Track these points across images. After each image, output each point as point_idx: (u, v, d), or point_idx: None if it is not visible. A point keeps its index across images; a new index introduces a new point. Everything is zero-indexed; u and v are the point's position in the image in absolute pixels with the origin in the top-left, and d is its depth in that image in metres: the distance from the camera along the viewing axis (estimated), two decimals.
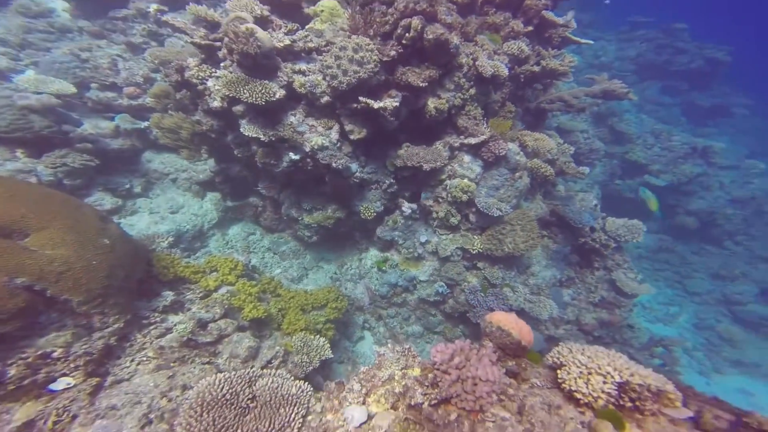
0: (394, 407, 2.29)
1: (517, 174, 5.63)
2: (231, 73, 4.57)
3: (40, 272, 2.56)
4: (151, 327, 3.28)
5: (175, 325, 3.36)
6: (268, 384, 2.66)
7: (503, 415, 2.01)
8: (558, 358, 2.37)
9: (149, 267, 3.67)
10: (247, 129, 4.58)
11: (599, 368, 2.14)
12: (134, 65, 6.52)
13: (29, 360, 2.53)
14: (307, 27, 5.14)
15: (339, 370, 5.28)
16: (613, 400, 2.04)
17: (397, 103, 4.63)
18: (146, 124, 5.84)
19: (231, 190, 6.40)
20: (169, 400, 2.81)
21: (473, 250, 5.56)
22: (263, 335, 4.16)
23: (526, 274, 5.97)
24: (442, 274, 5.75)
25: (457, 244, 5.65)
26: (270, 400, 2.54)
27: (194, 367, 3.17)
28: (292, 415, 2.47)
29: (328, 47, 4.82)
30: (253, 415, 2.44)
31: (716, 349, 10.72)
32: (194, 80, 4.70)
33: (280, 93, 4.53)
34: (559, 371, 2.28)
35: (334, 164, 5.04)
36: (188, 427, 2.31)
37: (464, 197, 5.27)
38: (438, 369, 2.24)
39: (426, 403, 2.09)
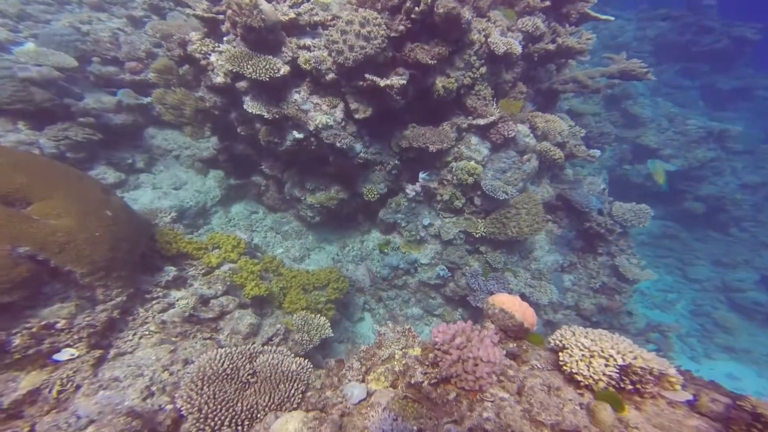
0: (393, 385, 2.33)
1: (526, 157, 5.51)
2: (234, 47, 4.42)
3: (43, 242, 2.57)
4: (154, 301, 3.33)
5: (177, 300, 3.41)
6: (269, 360, 2.71)
7: (502, 396, 2.04)
8: (560, 341, 2.38)
9: (152, 241, 3.69)
10: (251, 106, 4.48)
11: (602, 351, 2.15)
12: (136, 39, 6.35)
13: (33, 330, 2.58)
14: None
15: (339, 349, 5.40)
16: (614, 382, 2.06)
17: (404, 81, 4.49)
18: (149, 99, 5.75)
19: (234, 168, 6.36)
20: (171, 374, 2.88)
21: (476, 233, 5.53)
22: (264, 313, 4.23)
23: (529, 258, 5.96)
24: (443, 257, 5.76)
25: (460, 228, 5.62)
26: (270, 376, 2.60)
27: (196, 342, 3.23)
28: (292, 391, 2.54)
29: (334, 21, 4.63)
30: (254, 390, 2.50)
31: (710, 335, 10.84)
32: (197, 55, 4.57)
33: (285, 69, 4.39)
34: (560, 354, 2.29)
35: (338, 144, 4.95)
36: (189, 399, 2.37)
37: (470, 180, 5.18)
38: (439, 349, 2.26)
39: (426, 382, 2.12)
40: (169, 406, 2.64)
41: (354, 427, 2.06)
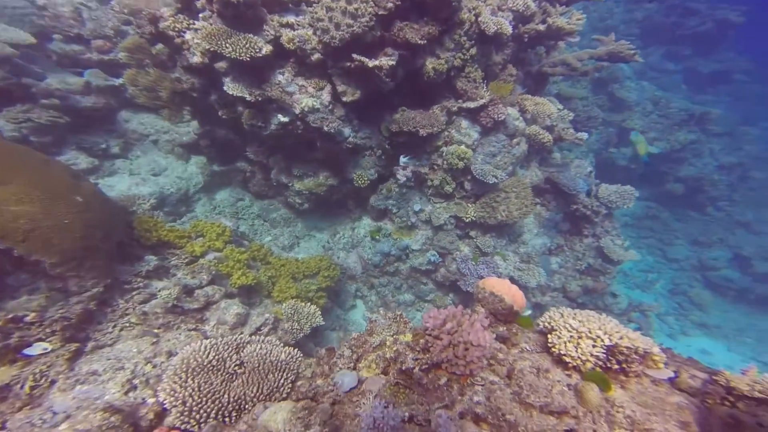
0: (384, 372, 2.33)
1: (515, 140, 5.48)
2: (211, 25, 4.15)
3: (4, 229, 2.41)
4: (134, 292, 3.22)
5: (159, 290, 3.30)
6: (257, 350, 2.67)
7: (492, 379, 2.06)
8: (549, 323, 2.41)
9: (130, 230, 3.54)
10: (232, 88, 4.26)
11: (590, 332, 2.18)
12: (102, 15, 5.89)
13: None
14: None
15: (331, 337, 5.41)
16: (600, 362, 2.10)
17: (394, 62, 4.33)
18: (120, 80, 5.40)
19: (218, 153, 6.13)
20: (154, 366, 2.82)
21: (466, 218, 5.54)
22: (253, 302, 4.17)
23: (518, 242, 6.02)
24: (434, 243, 5.77)
25: (450, 213, 5.61)
26: (258, 366, 2.55)
27: (180, 334, 3.16)
28: (281, 381, 2.51)
29: None
30: (241, 381, 2.46)
31: (686, 313, 11.36)
32: (170, 32, 4.27)
33: (267, 49, 4.17)
34: (549, 336, 2.32)
35: (325, 128, 4.80)
36: (172, 392, 2.32)
37: (460, 164, 5.14)
38: (430, 334, 2.26)
39: (417, 368, 2.12)
40: (152, 400, 2.59)
41: (345, 415, 2.06)
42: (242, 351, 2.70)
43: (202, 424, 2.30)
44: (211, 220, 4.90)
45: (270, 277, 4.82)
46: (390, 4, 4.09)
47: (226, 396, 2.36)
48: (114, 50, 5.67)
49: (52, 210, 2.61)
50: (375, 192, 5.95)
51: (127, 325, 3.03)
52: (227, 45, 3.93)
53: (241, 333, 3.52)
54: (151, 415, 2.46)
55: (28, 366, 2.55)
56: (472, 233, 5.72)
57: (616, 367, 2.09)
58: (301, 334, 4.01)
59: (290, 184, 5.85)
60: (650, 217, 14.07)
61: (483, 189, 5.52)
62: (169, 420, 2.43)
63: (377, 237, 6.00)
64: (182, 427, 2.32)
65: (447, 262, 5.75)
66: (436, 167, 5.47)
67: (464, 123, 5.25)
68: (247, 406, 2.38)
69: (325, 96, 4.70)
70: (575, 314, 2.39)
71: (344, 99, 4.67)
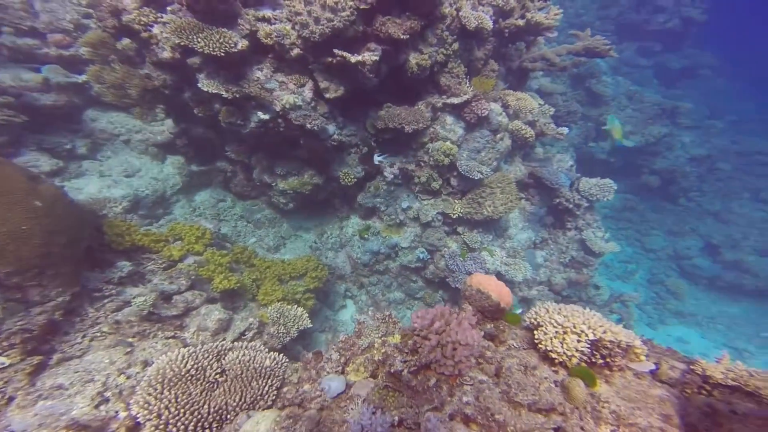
0: (373, 375, 2.29)
1: (499, 136, 5.51)
2: (181, 18, 3.95)
3: None
4: (106, 300, 3.05)
5: (133, 297, 3.15)
6: (239, 357, 2.57)
7: (481, 378, 2.05)
8: (535, 319, 2.42)
9: (99, 234, 3.35)
10: (206, 84, 4.08)
11: (574, 327, 2.20)
12: (57, 7, 5.50)
13: None
14: None
15: (320, 339, 5.34)
16: (586, 357, 2.13)
17: (377, 57, 4.25)
18: (84, 77, 5.08)
19: (196, 153, 5.90)
20: (128, 377, 2.68)
21: (453, 214, 5.55)
22: (237, 307, 4.05)
23: (504, 237, 6.09)
24: (423, 240, 5.76)
25: (438, 209, 5.61)
26: (241, 374, 2.46)
27: (156, 342, 3.02)
28: (266, 388, 2.42)
29: None
30: (223, 390, 2.36)
31: (663, 302, 11.82)
32: (136, 26, 4.04)
33: (243, 43, 4.01)
34: (536, 332, 2.33)
35: (308, 125, 4.68)
36: (146, 405, 2.20)
37: (446, 161, 5.13)
38: (418, 335, 2.23)
39: (405, 370, 2.09)
40: (124, 414, 2.45)
41: (333, 421, 2.01)
42: (224, 358, 2.59)
43: None
44: (190, 223, 4.72)
45: (254, 279, 4.70)
46: None
47: (206, 407, 2.26)
48: (75, 45, 5.31)
49: (6, 216, 2.42)
50: (362, 190, 5.88)
51: (99, 334, 2.86)
52: (199, 39, 3.75)
53: (224, 339, 3.40)
54: (122, 430, 2.34)
55: None
56: (460, 229, 5.75)
57: (601, 361, 2.12)
58: (288, 338, 3.92)
59: (274, 184, 5.71)
60: (628, 208, 14.56)
61: (469, 185, 5.54)
62: None
63: (366, 236, 5.95)
64: None
65: (436, 259, 5.76)
66: (422, 164, 5.45)
67: (449, 119, 5.23)
68: (229, 416, 2.29)
69: (307, 92, 4.58)
70: (560, 309, 2.41)
71: (327, 95, 4.56)
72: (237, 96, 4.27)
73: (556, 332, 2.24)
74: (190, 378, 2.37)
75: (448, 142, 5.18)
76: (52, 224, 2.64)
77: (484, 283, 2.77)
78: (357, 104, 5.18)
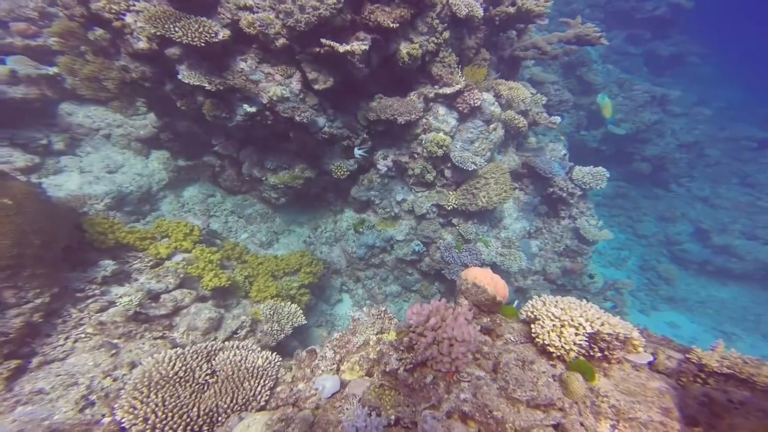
0: (369, 374, 2.24)
1: (492, 126, 5.44)
2: (155, 6, 3.75)
3: None
4: (90, 300, 2.95)
5: (119, 297, 3.04)
6: (230, 357, 2.50)
7: (478, 374, 2.01)
8: (532, 312, 2.39)
9: (80, 233, 3.22)
10: (188, 76, 3.91)
11: (572, 320, 2.17)
12: None
13: None
14: None
15: (317, 333, 5.29)
16: (584, 351, 2.10)
17: (366, 47, 4.11)
18: (54, 69, 4.81)
19: (182, 147, 5.72)
20: (114, 380, 2.59)
21: (448, 206, 5.50)
22: (229, 305, 3.96)
23: (498, 227, 6.07)
24: (418, 232, 5.71)
25: (432, 201, 5.56)
26: (232, 375, 2.39)
27: (143, 343, 2.93)
28: (258, 388, 2.36)
29: None
30: (213, 392, 2.29)
31: (655, 288, 12.02)
32: (106, 15, 3.81)
33: (224, 33, 3.84)
34: (533, 325, 2.30)
35: (297, 118, 4.54)
36: (131, 410, 2.12)
37: (439, 152, 5.06)
38: (414, 332, 2.18)
39: (401, 369, 2.04)
40: (107, 419, 2.37)
41: (327, 422, 1.96)
42: (214, 359, 2.52)
43: None
44: (178, 219, 4.59)
45: (247, 276, 4.61)
46: None
47: (195, 409, 2.19)
48: (42, 35, 5.01)
49: None
50: (356, 183, 5.78)
51: (83, 336, 2.76)
52: (176, 29, 3.56)
53: (215, 338, 3.32)
54: None
55: None
56: (455, 221, 5.71)
57: (599, 354, 2.09)
58: (282, 335, 3.86)
59: (264, 178, 5.58)
60: (620, 195, 14.70)
61: (463, 176, 5.48)
62: None
63: (361, 229, 5.87)
64: None
65: (431, 251, 5.72)
66: (416, 156, 5.37)
67: (441, 109, 5.14)
68: (220, 419, 2.22)
69: (295, 84, 4.43)
70: (557, 302, 2.38)
71: (316, 87, 4.42)
72: (221, 88, 4.11)
73: (554, 325, 2.21)
74: (178, 380, 2.29)
75: (441, 133, 5.09)
76: (25, 223, 2.50)
77: (480, 276, 2.73)
78: (348, 96, 5.04)
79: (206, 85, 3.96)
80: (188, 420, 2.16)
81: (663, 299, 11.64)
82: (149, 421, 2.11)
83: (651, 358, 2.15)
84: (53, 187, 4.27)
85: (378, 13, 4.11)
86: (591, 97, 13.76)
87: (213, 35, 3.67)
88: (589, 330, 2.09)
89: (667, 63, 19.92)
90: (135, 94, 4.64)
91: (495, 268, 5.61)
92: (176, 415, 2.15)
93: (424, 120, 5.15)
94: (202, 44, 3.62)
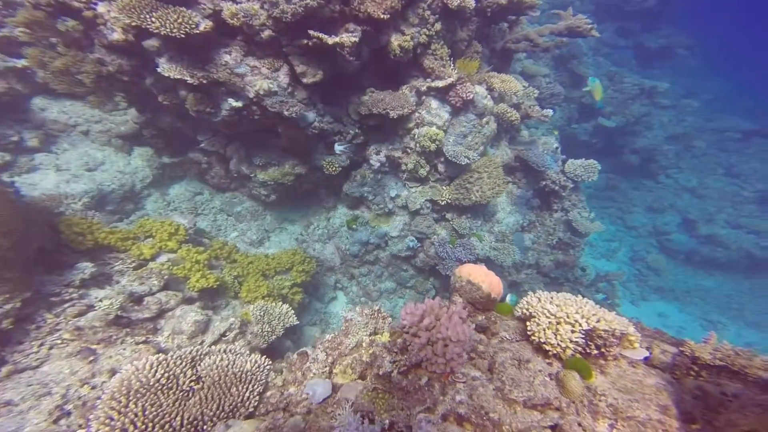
0: (361, 377, 2.18)
1: (485, 119, 5.38)
2: None
3: None
4: (66, 305, 2.81)
5: (99, 300, 2.91)
6: (217, 362, 2.40)
7: (474, 375, 1.97)
8: (527, 309, 2.35)
9: (55, 234, 3.07)
10: (168, 69, 3.73)
11: (568, 317, 2.13)
12: None
13: None
14: None
15: (310, 332, 5.21)
16: (580, 348, 2.07)
17: (356, 39, 3.99)
18: (23, 62, 4.56)
19: (166, 144, 5.53)
20: (93, 388, 2.48)
21: (442, 201, 5.45)
22: (217, 306, 3.85)
23: (492, 221, 6.04)
24: (412, 228, 5.65)
25: (426, 196, 5.49)
26: (219, 380, 2.30)
27: (124, 348, 2.81)
28: (247, 394, 2.27)
29: None
30: (198, 399, 2.20)
31: (645, 278, 12.21)
32: (75, 3, 3.61)
33: (206, 24, 3.67)
34: (528, 323, 2.26)
35: (285, 112, 4.41)
36: (107, 421, 2.01)
37: (433, 146, 4.98)
38: (407, 333, 2.12)
39: (395, 371, 1.98)
40: (82, 431, 2.27)
41: (319, 429, 1.89)
42: (199, 364, 2.42)
43: None
44: (163, 218, 4.44)
45: (236, 276, 4.49)
46: None
47: (178, 418, 2.10)
48: (6, 25, 4.72)
49: None
50: (348, 179, 5.67)
51: (59, 342, 2.63)
52: (153, 19, 3.38)
53: (202, 342, 3.21)
54: None
55: None
56: (448, 216, 5.66)
57: (596, 351, 2.06)
58: (274, 337, 3.77)
59: (253, 175, 5.44)
60: (611, 187, 14.86)
61: (456, 171, 5.42)
62: None
63: (354, 226, 5.78)
64: None
65: (425, 247, 5.67)
66: (409, 150, 5.28)
67: (434, 103, 5.05)
68: (205, 428, 2.14)
69: (283, 77, 4.29)
70: (552, 298, 2.34)
71: (305, 80, 4.28)
72: (204, 82, 3.94)
73: (549, 323, 2.17)
74: (160, 387, 2.19)
75: (434, 128, 5.01)
76: None
77: (474, 273, 2.68)
78: (338, 90, 4.91)
79: (188, 78, 3.79)
80: (170, 430, 2.07)
81: (652, 289, 11.84)
82: None
83: (647, 354, 2.14)
84: (27, 186, 4.07)
85: (368, 4, 3.98)
86: (582, 90, 13.80)
87: (193, 26, 3.50)
88: (585, 327, 2.06)
89: (655, 55, 20.09)
90: (113, 88, 4.43)
91: (489, 262, 5.59)
92: (157, 425, 2.05)
93: (417, 114, 5.06)
94: (182, 35, 3.45)
